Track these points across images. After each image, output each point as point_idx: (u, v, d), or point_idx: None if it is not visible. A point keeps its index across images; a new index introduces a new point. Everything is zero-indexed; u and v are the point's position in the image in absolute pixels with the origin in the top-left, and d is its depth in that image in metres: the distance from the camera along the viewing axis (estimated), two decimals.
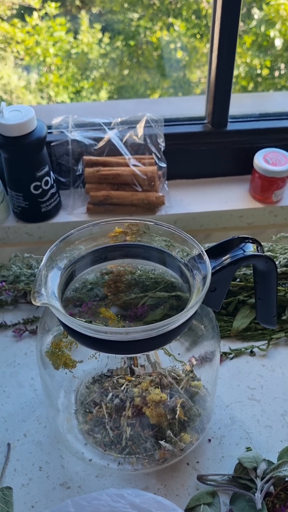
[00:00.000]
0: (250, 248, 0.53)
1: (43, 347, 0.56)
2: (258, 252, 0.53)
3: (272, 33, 1.74)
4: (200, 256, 0.51)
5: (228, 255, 0.52)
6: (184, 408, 0.58)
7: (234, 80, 0.85)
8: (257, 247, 0.54)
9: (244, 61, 1.81)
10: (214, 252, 0.53)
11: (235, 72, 1.73)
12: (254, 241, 0.54)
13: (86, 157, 0.86)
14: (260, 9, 1.76)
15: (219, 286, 0.52)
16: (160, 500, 0.41)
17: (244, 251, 0.53)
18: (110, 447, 0.58)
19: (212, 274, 0.50)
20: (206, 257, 0.51)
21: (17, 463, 0.60)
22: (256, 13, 1.76)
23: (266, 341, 0.74)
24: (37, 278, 0.49)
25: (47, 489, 0.58)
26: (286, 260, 0.78)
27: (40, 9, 1.63)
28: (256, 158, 0.86)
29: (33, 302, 0.47)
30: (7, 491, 0.57)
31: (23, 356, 0.73)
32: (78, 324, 0.45)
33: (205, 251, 0.52)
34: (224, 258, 0.52)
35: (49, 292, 0.48)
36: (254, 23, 1.76)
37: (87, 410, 0.60)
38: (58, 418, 0.62)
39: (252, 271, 0.64)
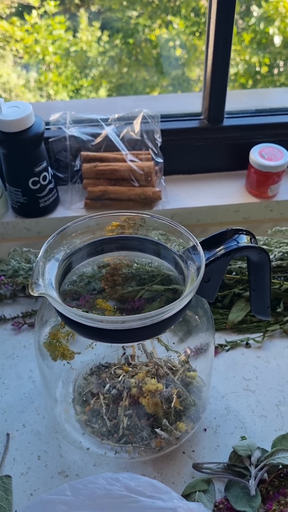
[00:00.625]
0: (244, 240, 0.54)
1: (41, 339, 0.57)
2: (252, 243, 0.54)
3: (271, 30, 1.75)
4: (194, 247, 0.52)
5: (222, 247, 0.53)
6: (180, 398, 0.59)
7: (233, 77, 0.86)
8: (250, 239, 0.55)
9: (243, 58, 1.81)
10: (208, 244, 0.54)
11: (235, 70, 1.74)
12: (247, 232, 0.55)
13: (83, 153, 0.87)
14: (259, 6, 1.76)
15: (213, 277, 0.53)
16: (154, 483, 0.42)
17: (238, 243, 0.54)
18: (108, 436, 0.59)
19: (206, 265, 0.51)
20: (200, 248, 0.52)
21: (16, 453, 0.62)
22: (255, 10, 1.76)
23: (262, 333, 0.75)
24: (35, 269, 0.50)
25: (45, 478, 0.59)
26: (281, 253, 0.79)
27: (39, 8, 1.64)
28: (251, 153, 0.87)
29: (31, 292, 0.48)
30: (6, 480, 0.58)
31: (22, 348, 0.74)
32: (74, 313, 0.47)
33: (200, 242, 0.53)
34: (218, 249, 0.53)
35: (46, 283, 0.49)
36: (253, 20, 1.77)
37: (85, 400, 0.61)
38: (56, 409, 0.63)
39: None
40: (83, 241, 0.56)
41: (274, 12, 1.75)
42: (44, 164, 0.82)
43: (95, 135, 0.88)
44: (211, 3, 0.78)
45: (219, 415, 0.65)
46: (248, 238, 0.55)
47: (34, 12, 1.65)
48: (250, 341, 0.74)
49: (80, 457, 0.61)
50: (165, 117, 0.91)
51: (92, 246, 0.57)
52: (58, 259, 0.53)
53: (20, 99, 1.71)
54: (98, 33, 1.85)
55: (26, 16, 1.65)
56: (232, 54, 0.83)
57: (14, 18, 1.65)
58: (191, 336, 0.59)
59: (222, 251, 0.53)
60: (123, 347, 0.63)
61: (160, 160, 0.89)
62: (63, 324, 0.55)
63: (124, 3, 1.85)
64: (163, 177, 0.90)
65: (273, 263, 0.78)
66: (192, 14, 1.84)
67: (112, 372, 0.62)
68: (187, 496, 0.56)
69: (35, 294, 0.48)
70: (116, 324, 0.47)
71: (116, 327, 0.47)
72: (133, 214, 0.57)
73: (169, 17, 1.83)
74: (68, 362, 0.56)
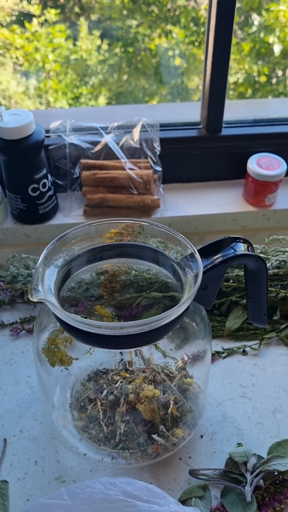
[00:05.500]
0: (241, 248, 0.55)
1: (39, 344, 0.57)
2: (249, 251, 0.55)
3: (271, 39, 1.76)
4: (192, 255, 0.53)
5: (219, 254, 0.54)
6: (177, 404, 0.59)
7: (232, 86, 0.87)
8: (247, 247, 0.55)
9: (242, 67, 1.82)
10: (206, 252, 0.55)
11: (234, 79, 1.75)
12: (245, 241, 0.56)
13: (83, 161, 0.88)
14: (260, 15, 1.78)
15: (211, 284, 0.54)
16: (151, 488, 0.43)
17: (235, 251, 0.54)
18: (104, 442, 0.60)
19: (204, 272, 0.52)
20: (198, 255, 0.52)
21: (13, 458, 0.62)
22: (256, 19, 1.78)
23: (258, 341, 0.75)
24: (34, 275, 0.51)
25: (42, 483, 0.59)
26: (278, 262, 0.79)
27: (39, 16, 1.65)
28: (249, 163, 0.88)
29: (30, 298, 0.49)
30: (3, 485, 0.59)
31: (20, 354, 0.74)
32: (73, 319, 0.47)
33: (198, 250, 0.54)
34: (215, 257, 0.54)
35: (45, 289, 0.50)
36: (254, 28, 1.78)
37: (82, 405, 0.61)
38: (53, 414, 0.63)
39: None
40: (82, 247, 0.57)
41: (275, 22, 1.76)
42: (44, 171, 0.83)
43: (95, 143, 0.89)
44: (210, 15, 0.79)
45: (216, 421, 0.66)
46: (246, 247, 0.55)
47: (34, 20, 1.66)
48: (247, 349, 0.75)
49: (77, 462, 0.61)
50: (164, 126, 0.92)
51: (91, 252, 0.57)
52: (58, 266, 0.54)
53: (20, 106, 1.72)
54: (98, 42, 1.86)
55: (27, 24, 1.66)
56: (231, 63, 0.84)
57: (15, 26, 1.66)
58: (188, 343, 0.59)
59: (220, 259, 0.53)
60: (120, 353, 0.64)
61: (159, 168, 0.90)
62: (61, 330, 0.55)
63: (124, 12, 1.87)
64: (161, 185, 0.91)
65: (270, 271, 0.79)
66: (192, 24, 1.85)
67: (110, 378, 0.62)
68: (183, 502, 0.56)
69: (35, 300, 0.48)
70: (115, 330, 0.47)
71: (114, 333, 0.47)
72: (131, 221, 0.58)
73: (169, 27, 1.84)
74: (66, 368, 0.57)
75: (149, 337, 0.49)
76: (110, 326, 0.48)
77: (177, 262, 0.55)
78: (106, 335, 0.47)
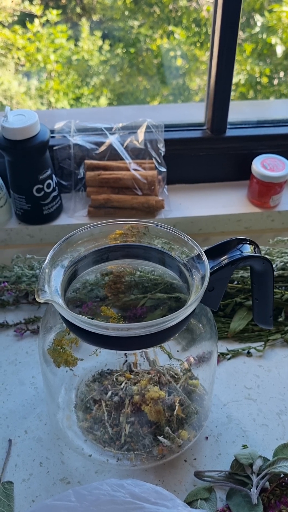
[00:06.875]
0: (248, 249, 0.55)
1: (45, 345, 0.57)
2: (255, 253, 0.55)
3: (273, 40, 1.76)
4: (199, 256, 0.53)
5: (226, 256, 0.54)
6: (182, 406, 0.59)
7: (234, 87, 0.87)
8: (254, 248, 0.55)
9: (244, 68, 1.83)
10: (213, 253, 0.55)
11: (235, 79, 1.75)
12: (251, 242, 0.56)
13: (87, 161, 0.88)
14: (262, 16, 1.78)
15: (217, 285, 0.54)
16: (158, 490, 0.42)
17: (242, 252, 0.54)
18: (110, 443, 0.59)
19: (210, 274, 0.52)
20: (204, 257, 0.52)
21: (18, 459, 0.62)
22: (259, 20, 1.78)
23: (263, 342, 0.75)
24: (41, 276, 0.50)
25: (47, 484, 0.59)
26: (282, 263, 0.79)
27: (41, 16, 1.65)
28: (254, 164, 0.88)
29: (37, 299, 0.48)
30: (8, 486, 0.58)
31: (24, 354, 0.74)
32: (80, 320, 0.47)
33: (204, 251, 0.53)
34: (222, 258, 0.54)
35: (52, 289, 0.50)
36: (256, 29, 1.78)
37: (87, 406, 0.61)
38: (58, 415, 0.63)
39: (249, 274, 0.65)
40: (88, 248, 0.57)
41: (277, 23, 1.76)
42: (49, 172, 0.83)
43: (99, 144, 0.88)
44: (216, 15, 0.79)
45: (221, 423, 0.65)
46: (252, 248, 0.55)
47: (36, 20, 1.67)
48: (252, 350, 0.74)
49: (82, 464, 0.61)
50: (168, 127, 0.92)
51: (97, 253, 0.57)
52: (64, 266, 0.54)
53: (21, 106, 1.72)
54: (100, 42, 1.86)
55: (28, 25, 1.66)
56: None
57: (16, 27, 1.66)
58: (195, 344, 0.59)
59: (226, 261, 0.53)
60: (125, 354, 0.64)
61: (163, 169, 0.89)
62: (67, 331, 0.55)
63: (126, 13, 1.87)
64: (166, 186, 0.91)
65: (275, 273, 0.78)
66: (193, 25, 1.85)
67: (115, 379, 0.62)
68: (189, 504, 0.56)
69: (41, 301, 0.48)
70: (121, 331, 0.47)
71: (121, 334, 0.47)
72: (137, 222, 0.58)
73: (171, 27, 1.85)
74: (71, 369, 0.56)
75: (156, 338, 0.49)
76: (117, 327, 0.48)
77: (184, 263, 0.54)
78: (113, 336, 0.47)
